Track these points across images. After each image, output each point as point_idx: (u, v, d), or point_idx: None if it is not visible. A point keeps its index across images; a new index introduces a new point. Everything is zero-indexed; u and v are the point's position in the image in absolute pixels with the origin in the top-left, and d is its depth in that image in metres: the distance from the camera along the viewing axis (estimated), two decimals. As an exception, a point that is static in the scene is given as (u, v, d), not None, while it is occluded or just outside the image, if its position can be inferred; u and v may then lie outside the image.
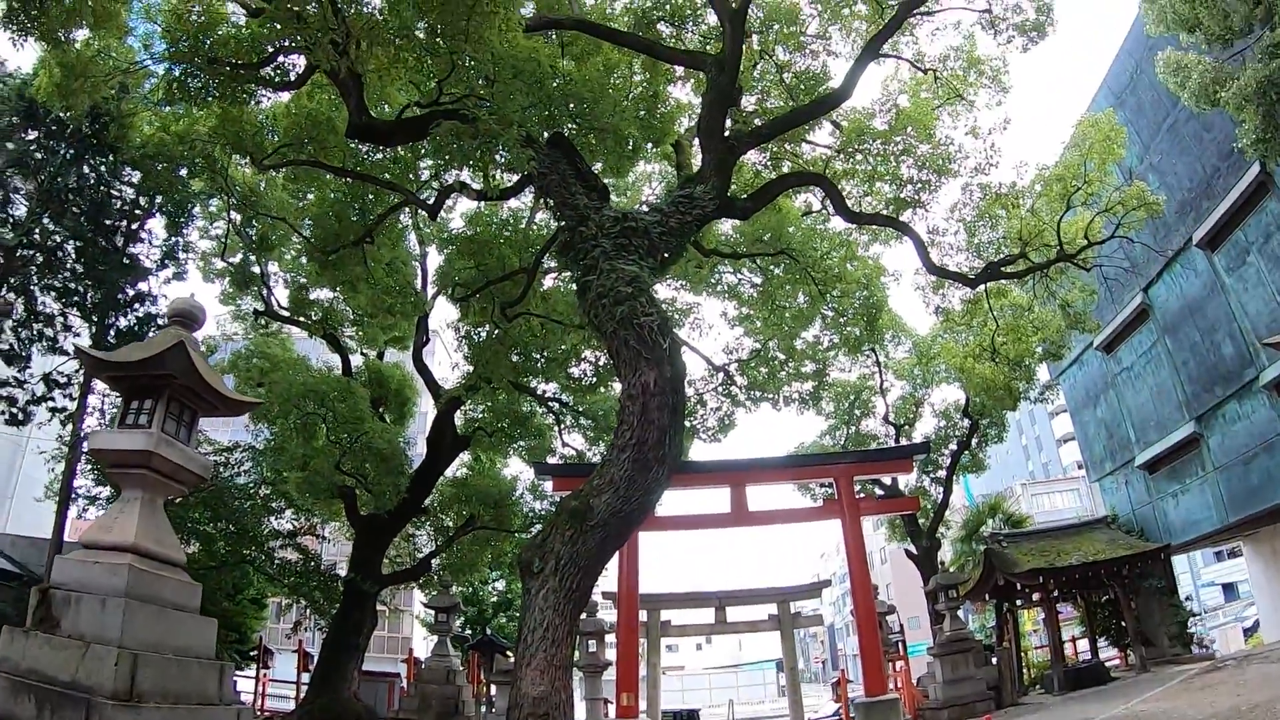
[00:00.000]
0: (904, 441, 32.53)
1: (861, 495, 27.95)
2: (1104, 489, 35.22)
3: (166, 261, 24.19)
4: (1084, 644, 32.28)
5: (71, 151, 21.79)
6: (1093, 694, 22.90)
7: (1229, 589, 57.87)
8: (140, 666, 8.28)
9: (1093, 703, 20.47)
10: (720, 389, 26.86)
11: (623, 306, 12.61)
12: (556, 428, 28.15)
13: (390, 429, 25.63)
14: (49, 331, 22.14)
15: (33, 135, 21.76)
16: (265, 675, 28.49)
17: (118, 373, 10.03)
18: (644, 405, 12.43)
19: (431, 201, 19.03)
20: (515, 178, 16.67)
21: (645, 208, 16.09)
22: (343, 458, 23.46)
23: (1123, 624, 28.92)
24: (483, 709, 24.96)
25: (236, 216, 21.86)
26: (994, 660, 25.25)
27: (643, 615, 26.54)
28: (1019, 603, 30.36)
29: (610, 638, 23.95)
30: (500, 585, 40.66)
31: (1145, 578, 28.71)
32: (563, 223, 14.58)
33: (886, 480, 32.35)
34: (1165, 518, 30.65)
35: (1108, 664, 28.35)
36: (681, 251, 16.26)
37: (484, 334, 22.10)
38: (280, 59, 15.11)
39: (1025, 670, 30.22)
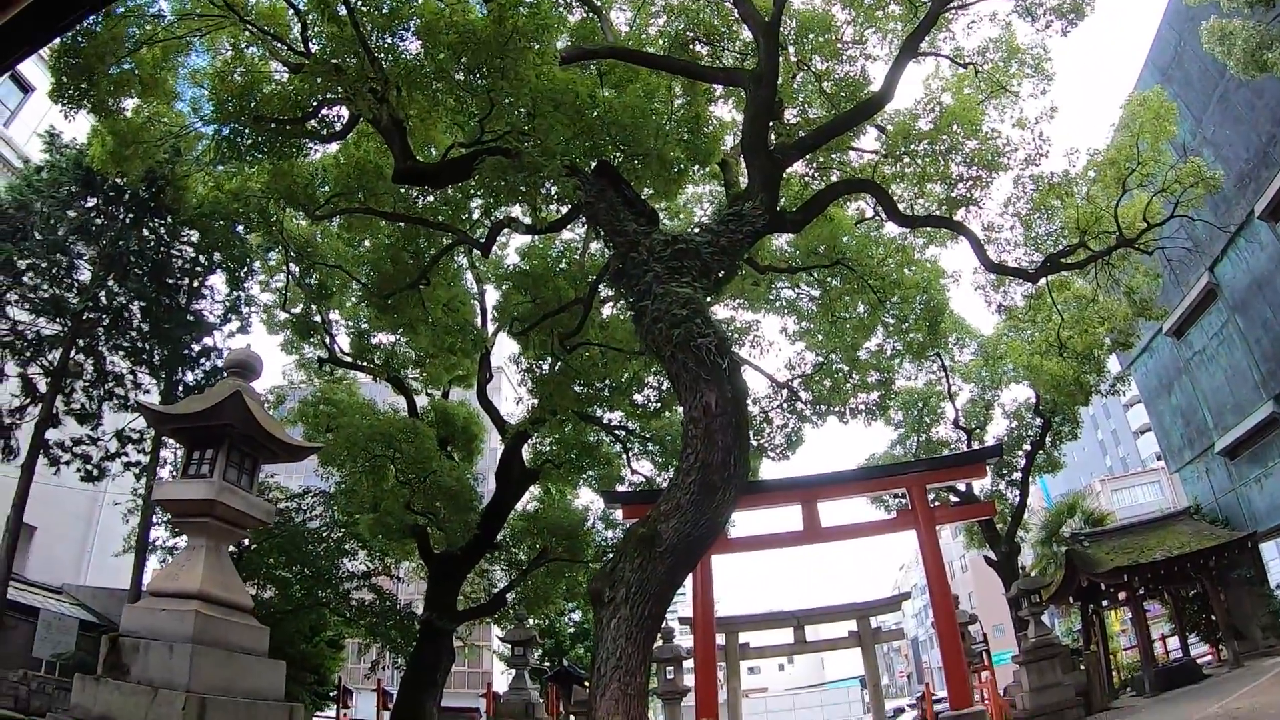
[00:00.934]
0: (975, 445, 31.86)
1: (936, 504, 27.52)
2: (1184, 479, 34.41)
3: (230, 316, 24.77)
4: (1173, 642, 31.39)
5: (131, 216, 22.41)
6: (1185, 693, 22.29)
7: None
8: (209, 710, 8.34)
9: (1186, 702, 19.92)
10: (785, 406, 26.60)
11: (679, 329, 12.53)
12: (624, 455, 27.95)
13: (458, 466, 25.82)
14: (119, 390, 22.73)
15: (92, 202, 22.41)
16: (345, 715, 28.89)
17: (179, 424, 10.21)
18: (707, 427, 12.32)
19: (483, 239, 19.14)
20: (564, 210, 16.72)
21: (696, 229, 15.95)
22: (412, 497, 23.61)
23: (1212, 618, 28.18)
24: (562, 741, 24.90)
25: (295, 268, 22.20)
26: (1081, 665, 24.57)
27: (720, 639, 26.62)
28: (1104, 603, 29.69)
29: (688, 663, 23.70)
30: (576, 616, 40.53)
31: (1233, 568, 27.72)
32: (614, 250, 14.54)
33: (961, 487, 31.78)
34: (1250, 504, 29.82)
35: (1199, 661, 27.64)
36: (735, 270, 16.19)
37: (546, 367, 22.23)
38: (324, 111, 15.36)
39: (1115, 673, 29.54)
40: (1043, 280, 23.08)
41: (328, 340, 25.57)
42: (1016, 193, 21.16)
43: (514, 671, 25.52)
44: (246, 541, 23.29)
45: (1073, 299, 26.42)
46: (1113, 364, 34.61)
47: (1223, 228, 24.84)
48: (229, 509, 9.70)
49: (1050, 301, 24.45)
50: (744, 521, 27.66)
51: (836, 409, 25.99)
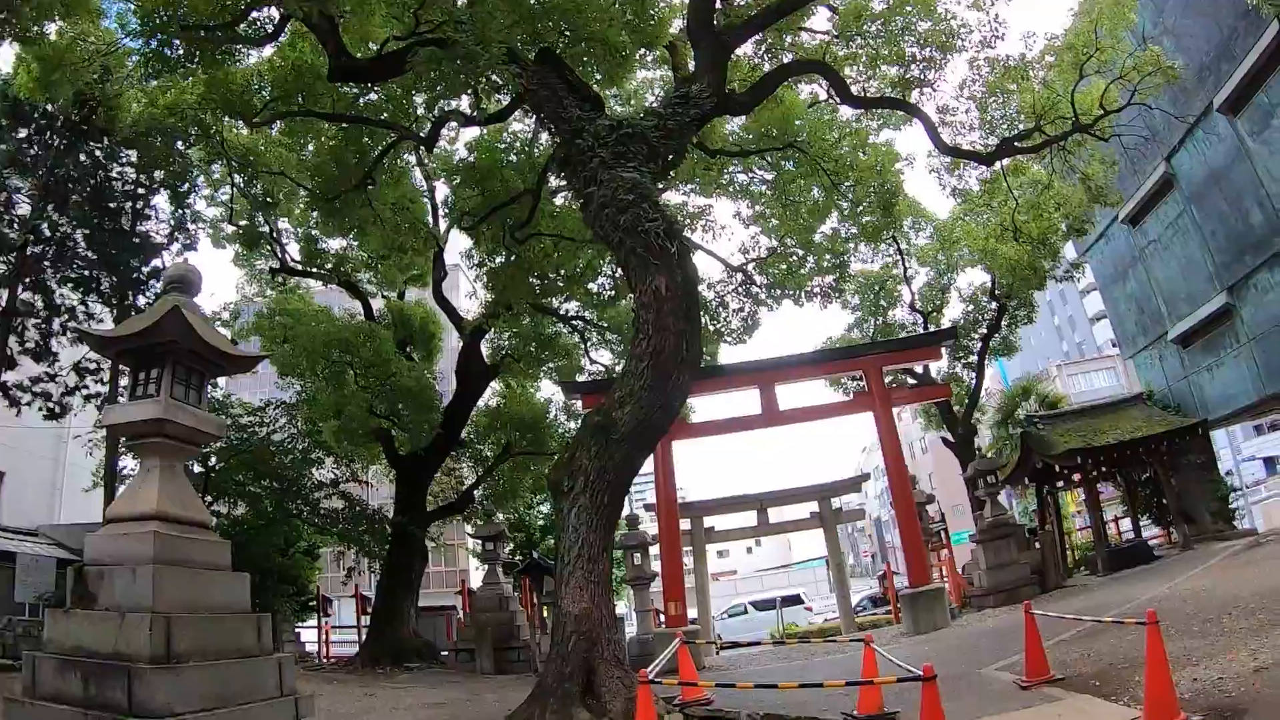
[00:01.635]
0: (932, 328, 31.88)
1: (893, 386, 27.80)
2: (1138, 365, 34.78)
3: (176, 234, 24.39)
4: (1126, 524, 32.04)
5: (65, 142, 21.80)
6: (1137, 573, 22.84)
7: (1270, 463, 57.25)
8: (175, 629, 8.35)
9: (1137, 582, 20.44)
10: (740, 290, 26.45)
11: (626, 215, 12.49)
12: (582, 345, 27.99)
13: (418, 367, 25.86)
14: (72, 323, 22.31)
15: (23, 133, 21.80)
16: (327, 624, 29.04)
17: (122, 346, 10.02)
18: (658, 312, 12.39)
19: (426, 134, 18.83)
20: (508, 100, 16.44)
21: (642, 114, 15.66)
22: (374, 401, 23.69)
23: (1164, 502, 28.90)
24: (537, 631, 25.26)
25: (239, 179, 21.60)
26: (1037, 544, 25.12)
27: (685, 524, 26.93)
28: (1059, 485, 30.30)
29: (655, 549, 24.05)
30: (545, 509, 40.71)
31: (1184, 454, 28.20)
32: (558, 138, 14.32)
33: (918, 369, 32.01)
34: (1201, 392, 30.26)
35: (1151, 543, 28.24)
36: (683, 153, 16.00)
37: (499, 260, 22.19)
38: (254, 14, 15.04)
39: (1069, 552, 30.20)
40: (998, 164, 22.98)
41: (277, 250, 25.41)
42: (971, 75, 20.83)
43: (486, 567, 26.05)
44: (214, 460, 23.30)
45: (1028, 184, 26.55)
46: (1069, 251, 34.71)
47: (1181, 118, 24.63)
48: (179, 426, 9.54)
49: (1005, 186, 24.51)
50: (703, 406, 27.97)
51: (791, 292, 25.93)
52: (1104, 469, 28.11)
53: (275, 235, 24.94)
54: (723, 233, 24.73)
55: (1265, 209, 24.77)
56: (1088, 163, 23.68)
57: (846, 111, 22.99)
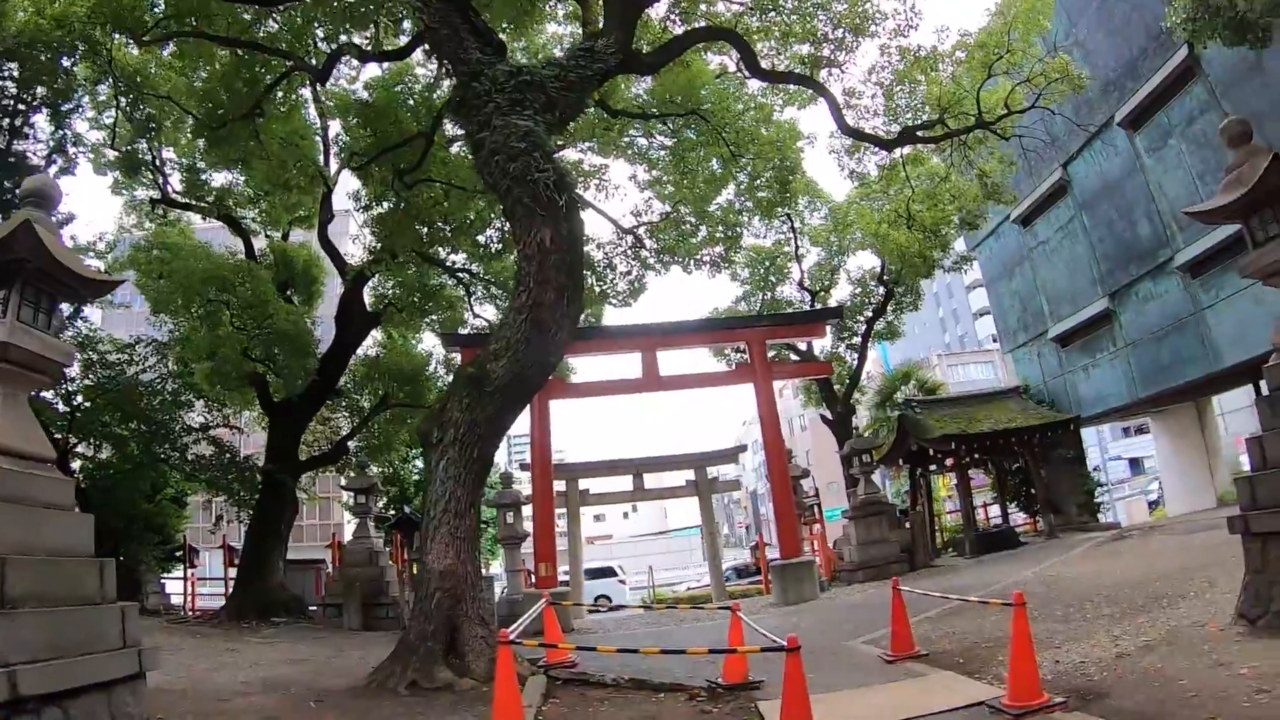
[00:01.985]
0: (819, 307, 32.04)
1: (775, 359, 27.90)
2: (1017, 360, 35.75)
3: (54, 156, 22.42)
4: (995, 510, 33.04)
5: (-62, 53, 20.31)
6: (1003, 557, 23.56)
7: (1134, 464, 60.07)
8: (9, 570, 7.78)
9: (1002, 566, 21.02)
10: (629, 252, 26.26)
11: (516, 163, 12.11)
12: (467, 299, 27.42)
13: (296, 310, 25.00)
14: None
15: None
16: (193, 575, 28.33)
17: (-35, 265, 9.24)
18: (540, 265, 12.07)
19: (321, 67, 18.21)
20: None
21: (544, 64, 15.27)
22: (250, 344, 22.90)
23: (1032, 491, 29.90)
24: (405, 588, 24.81)
25: (124, 101, 20.39)
26: (907, 524, 25.70)
27: (561, 485, 26.61)
28: (932, 468, 31.03)
29: (528, 509, 23.79)
30: (421, 463, 40.14)
31: (1055, 447, 29.44)
32: (456, 80, 13.87)
33: (801, 346, 32.10)
34: (1076, 390, 31.32)
35: (1017, 530, 29.21)
36: (582, 107, 15.64)
37: (387, 206, 21.59)
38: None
39: (938, 534, 31.03)
40: (897, 152, 23.26)
41: (159, 180, 24.16)
42: (882, 62, 20.89)
43: (357, 521, 25.45)
44: (79, 399, 22.31)
45: (925, 176, 26.82)
46: (960, 244, 35.31)
47: (1083, 126, 25.11)
48: (24, 352, 8.77)
49: (904, 175, 24.69)
50: (584, 367, 27.87)
51: (681, 259, 25.91)
52: (977, 456, 28.93)
53: (158, 163, 23.64)
54: (616, 193, 24.77)
55: (1154, 222, 25.83)
56: (986, 160, 24.16)
57: (753, 86, 22.95)
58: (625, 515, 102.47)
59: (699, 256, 26.08)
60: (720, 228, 26.13)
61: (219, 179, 24.26)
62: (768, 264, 33.44)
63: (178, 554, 30.23)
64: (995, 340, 60.63)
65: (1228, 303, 23.52)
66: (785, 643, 6.73)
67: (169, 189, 24.47)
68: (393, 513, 34.03)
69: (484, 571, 22.76)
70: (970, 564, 24.05)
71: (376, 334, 28.78)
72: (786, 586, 21.18)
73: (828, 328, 27.64)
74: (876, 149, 23.55)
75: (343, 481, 29.78)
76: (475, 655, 10.88)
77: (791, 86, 22.07)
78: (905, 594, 11.27)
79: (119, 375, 23.13)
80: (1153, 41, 24.40)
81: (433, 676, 10.46)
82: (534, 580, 23.86)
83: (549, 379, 20.76)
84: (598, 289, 25.63)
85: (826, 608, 19.07)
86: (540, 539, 21.59)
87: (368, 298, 26.38)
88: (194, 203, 24.80)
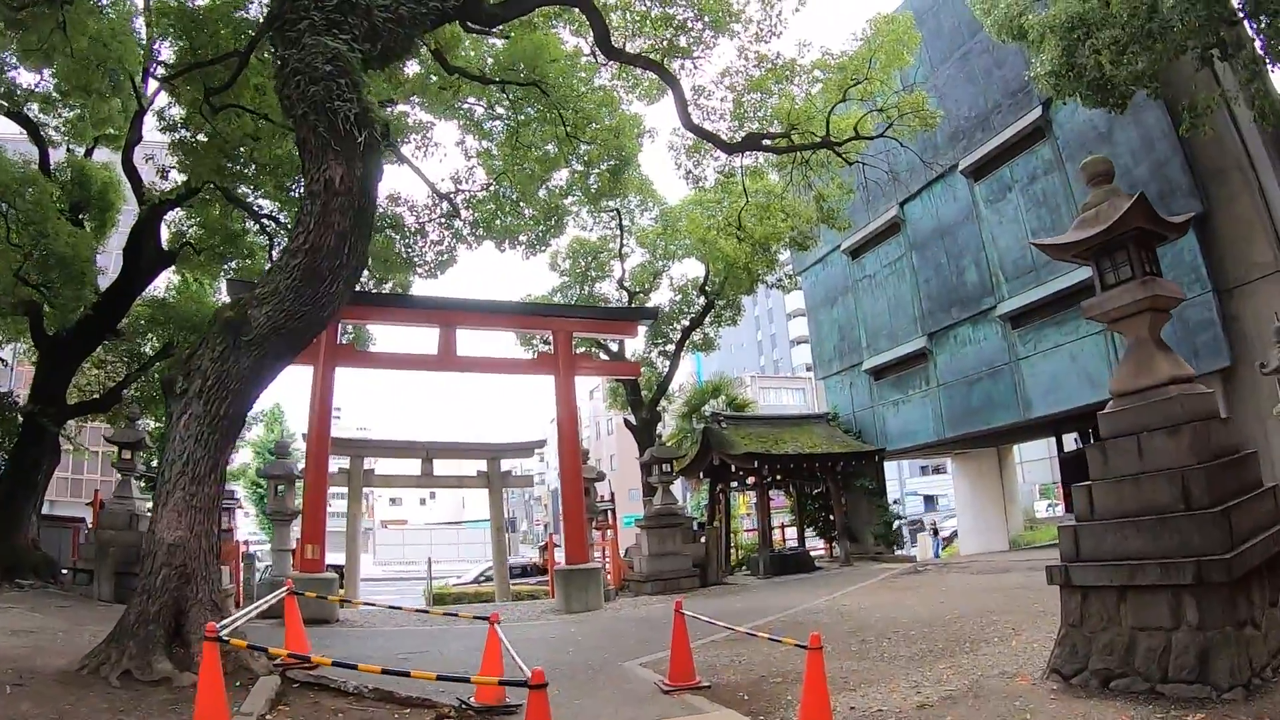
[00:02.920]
0: (635, 306, 31.23)
1: (582, 353, 26.51)
2: (828, 387, 35.74)
3: None
4: (792, 532, 33.03)
5: None
6: (796, 580, 23.28)
7: (929, 500, 63.50)
8: None
9: (796, 589, 20.58)
10: (443, 220, 24.70)
11: (318, 86, 10.67)
12: (270, 249, 25.16)
13: (80, 234, 22.27)
14: None
15: None
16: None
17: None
18: (324, 205, 10.76)
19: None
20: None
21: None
22: (24, 264, 20.25)
23: (831, 517, 29.94)
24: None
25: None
26: (703, 539, 25.00)
27: (344, 462, 25.41)
28: (733, 485, 30.60)
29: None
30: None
31: (858, 477, 29.61)
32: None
33: (613, 346, 31.13)
34: (884, 423, 31.43)
35: (814, 554, 29.13)
36: (409, 48, 14.04)
37: (193, 133, 19.47)
38: None
39: (734, 551, 30.65)
40: (738, 162, 22.92)
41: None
42: (738, 65, 20.32)
43: (120, 478, 22.54)
44: None
45: (762, 192, 26.40)
46: (787, 268, 35.26)
47: (929, 164, 25.07)
48: None
49: (742, 188, 24.36)
50: (381, 337, 26.22)
51: (497, 235, 24.43)
52: (779, 477, 28.65)
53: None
54: (437, 152, 23.07)
55: (981, 270, 26.27)
56: (826, 185, 24.27)
57: (602, 76, 22.19)
58: (422, 502, 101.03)
59: (516, 236, 24.59)
60: (545, 211, 24.89)
61: (25, 79, 21.63)
62: (590, 258, 32.68)
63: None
64: (809, 369, 61.45)
65: (1044, 356, 24.11)
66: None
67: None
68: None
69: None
70: (763, 584, 23.55)
71: (170, 276, 26.87)
72: (570, 594, 19.96)
73: (641, 329, 26.57)
74: (717, 154, 22.95)
75: (105, 433, 27.21)
76: (202, 644, 9.40)
77: (640, 75, 21.20)
78: (690, 618, 10.32)
79: None
80: (1008, 98, 25.04)
81: (150, 668, 9.07)
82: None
83: (324, 338, 19.27)
84: (404, 255, 24.16)
85: (610, 620, 17.97)
86: (310, 518, 19.47)
87: (165, 235, 24.18)
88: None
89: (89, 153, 25.06)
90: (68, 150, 24.81)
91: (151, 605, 9.65)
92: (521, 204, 24.31)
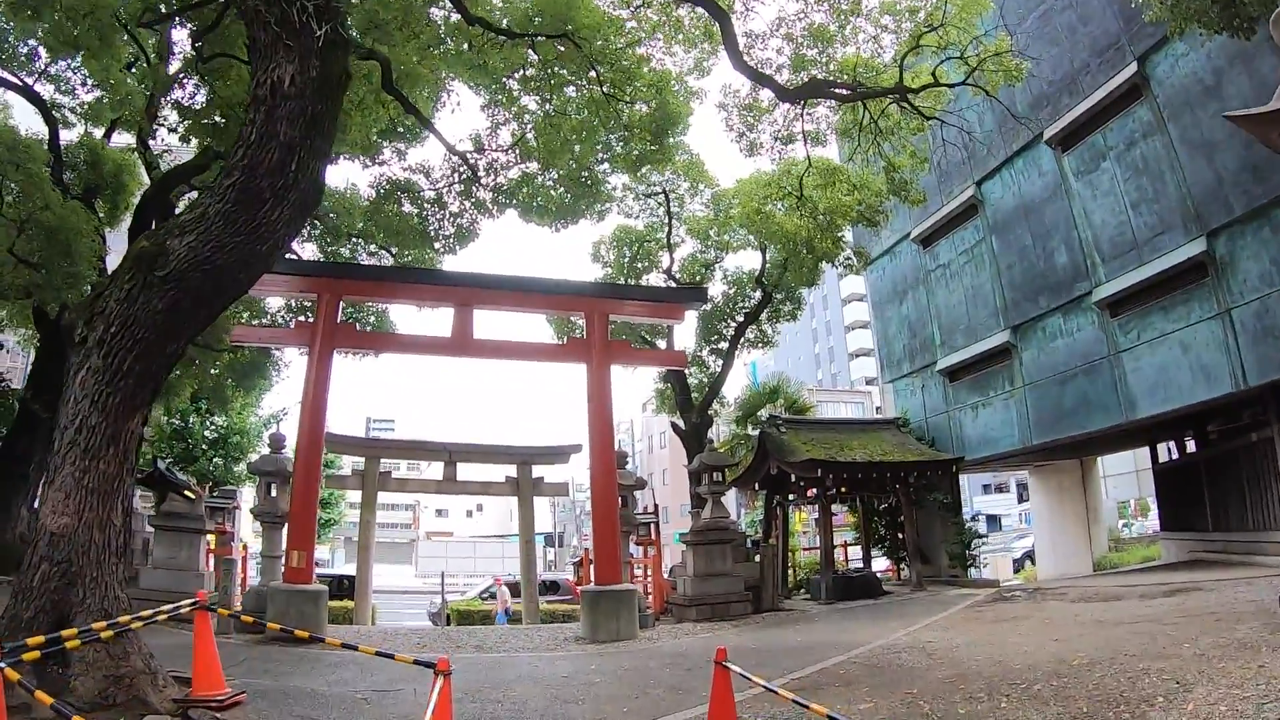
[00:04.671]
0: (681, 286, 28.21)
1: (619, 340, 23.29)
2: (897, 392, 32.64)
3: None
4: (855, 551, 30.08)
5: None
6: (863, 607, 20.32)
7: (992, 520, 59.62)
8: None
9: (865, 619, 17.66)
10: (462, 189, 21.91)
11: (270, -32, 8.32)
12: None
13: (72, 205, 20.43)
14: None
15: None
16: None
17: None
18: (269, 113, 8.58)
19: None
20: None
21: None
22: (18, 239, 18.36)
23: (900, 535, 26.92)
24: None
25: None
26: (757, 557, 21.86)
27: (358, 463, 23.56)
28: (792, 497, 27.49)
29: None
30: (220, 420, 35.44)
31: (931, 490, 26.45)
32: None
33: (660, 344, 28.32)
34: (961, 430, 28.42)
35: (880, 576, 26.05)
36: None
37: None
38: None
39: (791, 571, 27.60)
40: (798, 126, 20.32)
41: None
42: (795, 10, 17.68)
43: None
44: None
45: (825, 171, 23.52)
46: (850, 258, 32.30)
47: (1019, 119, 22.18)
48: None
49: (804, 152, 21.62)
50: (396, 318, 23.82)
51: (522, 205, 21.34)
52: (843, 489, 25.18)
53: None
54: (451, 101, 19.89)
55: (1073, 251, 23.46)
56: (897, 152, 21.58)
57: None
58: (469, 514, 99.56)
59: (545, 206, 21.51)
60: (577, 178, 21.63)
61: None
62: (636, 247, 29.81)
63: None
64: (869, 383, 58.76)
65: (1149, 347, 21.03)
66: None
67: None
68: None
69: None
70: (826, 611, 20.36)
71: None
72: (597, 620, 16.63)
73: (689, 313, 22.94)
74: (774, 115, 20.58)
75: None
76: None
77: (682, 17, 18.87)
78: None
79: None
80: (1096, 57, 22.40)
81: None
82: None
83: (321, 314, 17.48)
84: (421, 226, 21.80)
85: (641, 655, 14.48)
86: (297, 520, 16.51)
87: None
88: (7, 76, 20.46)
89: (107, 135, 23.57)
90: (86, 133, 23.16)
91: (25, 610, 7.83)
92: (551, 170, 21.28)
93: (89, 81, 20.07)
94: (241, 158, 8.58)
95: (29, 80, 20.65)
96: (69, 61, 19.74)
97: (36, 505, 8.65)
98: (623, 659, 13.77)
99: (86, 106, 21.04)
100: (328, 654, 13.54)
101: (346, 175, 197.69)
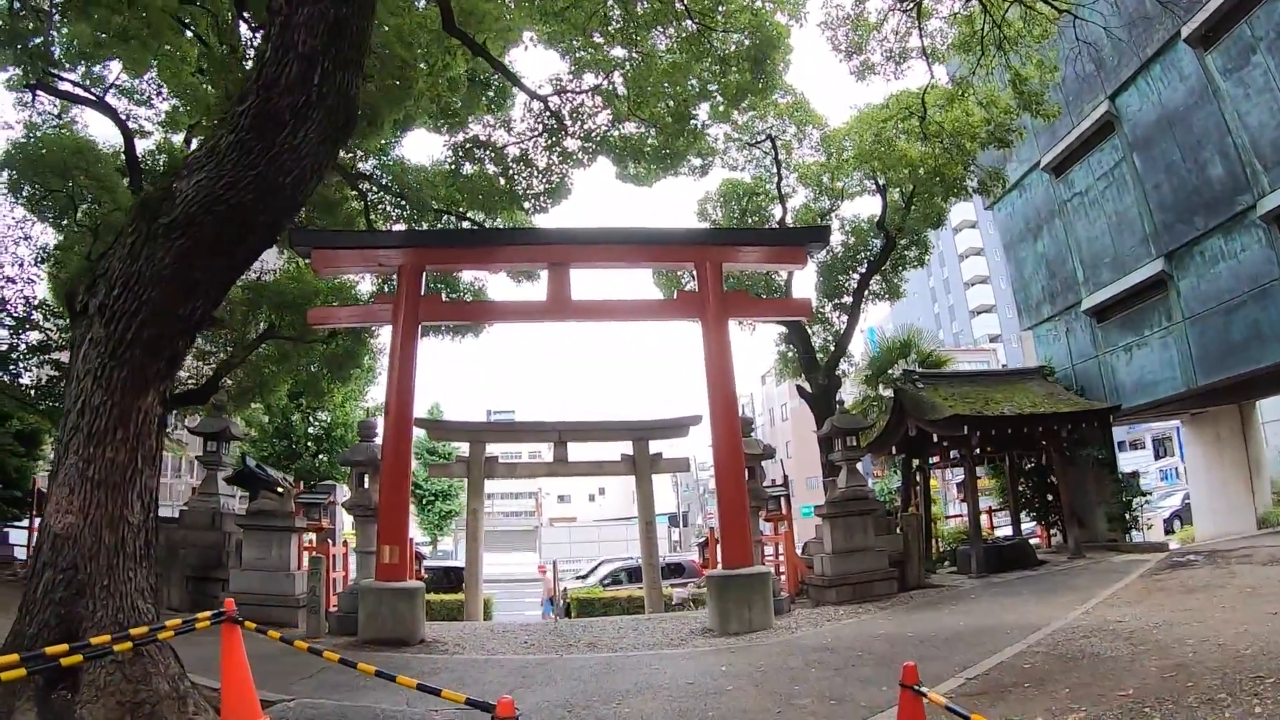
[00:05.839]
0: (800, 226, 25.90)
1: (735, 291, 21.06)
2: (1038, 338, 29.97)
3: None
4: (1001, 518, 27.83)
5: None
6: (1020, 580, 17.98)
7: (1130, 477, 56.30)
8: None
9: (1028, 595, 15.46)
10: (548, 142, 20.44)
11: None
12: (366, 214, 22.76)
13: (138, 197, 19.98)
14: None
15: None
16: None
17: None
18: (284, 23, 7.25)
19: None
20: None
21: None
22: (94, 244, 18.53)
23: (1049, 498, 24.38)
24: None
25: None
26: (899, 529, 19.68)
27: (462, 448, 22.73)
28: (933, 460, 24.99)
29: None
30: (324, 416, 34.74)
31: (1084, 445, 23.72)
32: None
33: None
34: (1114, 375, 25.70)
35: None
36: None
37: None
38: None
39: (935, 543, 25.04)
40: (914, 40, 18.54)
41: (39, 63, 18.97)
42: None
43: (206, 474, 20.10)
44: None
45: (943, 96, 21.60)
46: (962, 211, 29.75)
47: (1157, 19, 19.71)
48: None
49: (926, 64, 19.44)
50: (498, 287, 22.52)
51: (614, 150, 19.49)
52: (992, 446, 22.46)
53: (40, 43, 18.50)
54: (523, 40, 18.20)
55: (1229, 161, 20.54)
56: (1024, 62, 19.63)
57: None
58: (591, 498, 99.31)
59: (639, 148, 19.58)
60: (675, 116, 19.72)
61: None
62: (745, 200, 27.73)
63: (26, 500, 25.30)
64: (992, 340, 55.92)
65: None
66: None
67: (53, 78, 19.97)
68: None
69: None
70: (979, 586, 17.99)
71: (276, 259, 25.43)
72: (727, 609, 14.54)
73: (810, 258, 20.60)
74: (883, 31, 18.66)
75: (188, 424, 25.01)
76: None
77: None
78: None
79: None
80: None
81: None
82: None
83: (403, 288, 15.96)
84: (509, 187, 20.62)
85: (780, 651, 12.26)
86: (386, 512, 15.00)
87: None
88: (80, 92, 20.65)
89: (187, 141, 22.90)
90: (164, 139, 23.31)
91: (28, 625, 6.82)
92: (641, 107, 19.35)
93: (163, 90, 20.30)
94: (257, 77, 7.23)
95: (101, 94, 20.74)
96: (144, 78, 20.01)
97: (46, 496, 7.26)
98: (758, 656, 11.73)
99: (164, 115, 21.57)
100: (417, 661, 12.01)
101: (427, 151, 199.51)
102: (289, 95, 7.15)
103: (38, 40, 18.06)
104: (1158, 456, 59.94)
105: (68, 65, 20.08)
